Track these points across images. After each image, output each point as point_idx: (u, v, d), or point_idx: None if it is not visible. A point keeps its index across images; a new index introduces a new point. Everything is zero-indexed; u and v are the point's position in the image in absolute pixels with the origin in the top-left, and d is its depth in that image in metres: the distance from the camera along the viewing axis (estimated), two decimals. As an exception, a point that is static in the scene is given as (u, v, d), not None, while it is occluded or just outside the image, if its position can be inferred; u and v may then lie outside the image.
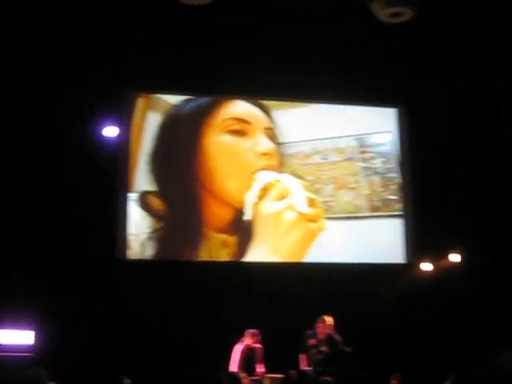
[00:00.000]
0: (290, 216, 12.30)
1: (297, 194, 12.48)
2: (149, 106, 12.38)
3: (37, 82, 11.32)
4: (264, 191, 12.35)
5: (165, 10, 10.82)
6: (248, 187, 12.33)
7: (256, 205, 12.26)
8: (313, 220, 12.44)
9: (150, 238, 11.88)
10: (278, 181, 12.48)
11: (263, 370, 10.56)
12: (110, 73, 11.68)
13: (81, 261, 11.19)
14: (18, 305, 10.60)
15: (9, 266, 10.85)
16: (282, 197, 12.41)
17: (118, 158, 12.00)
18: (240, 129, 12.52)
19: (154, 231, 11.93)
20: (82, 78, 11.55)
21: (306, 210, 12.41)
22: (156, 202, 12.02)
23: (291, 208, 12.33)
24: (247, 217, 12.23)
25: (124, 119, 12.18)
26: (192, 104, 12.64)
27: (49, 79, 11.40)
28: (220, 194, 12.27)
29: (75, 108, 11.45)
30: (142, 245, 11.84)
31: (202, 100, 12.74)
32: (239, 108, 12.78)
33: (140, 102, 12.36)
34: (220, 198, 12.27)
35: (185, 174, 12.28)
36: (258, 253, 12.22)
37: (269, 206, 12.30)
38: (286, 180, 12.55)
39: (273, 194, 12.39)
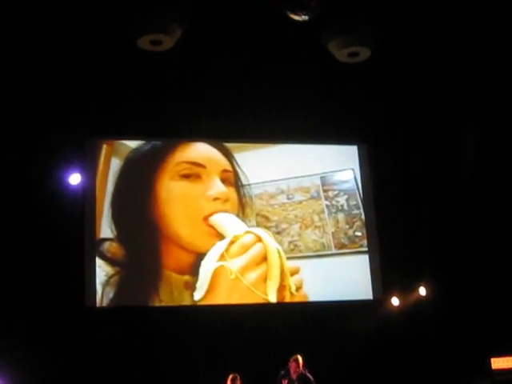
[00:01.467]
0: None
1: (274, 269, 12.33)
2: (113, 153, 12.38)
3: (1, 130, 11.32)
4: (230, 244, 12.24)
5: (125, 57, 11.00)
6: (201, 233, 12.21)
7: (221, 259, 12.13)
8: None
9: (106, 285, 11.74)
10: (247, 232, 12.43)
11: None
12: (74, 121, 11.69)
13: (47, 310, 11.08)
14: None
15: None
16: (260, 261, 12.32)
17: (84, 206, 11.95)
18: (192, 173, 12.46)
19: (111, 277, 11.79)
20: (45, 127, 11.57)
21: (274, 299, 12.25)
22: (114, 248, 11.92)
23: (263, 280, 12.24)
24: (198, 296, 11.96)
25: (89, 166, 12.16)
26: (146, 147, 12.63)
27: (13, 130, 11.39)
28: (175, 238, 12.16)
29: (40, 157, 11.44)
30: (101, 292, 11.71)
31: (157, 143, 12.74)
32: (194, 151, 12.74)
33: (104, 149, 12.35)
34: (176, 242, 12.16)
35: (142, 218, 12.19)
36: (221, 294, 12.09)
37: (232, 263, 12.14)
38: (268, 242, 12.48)
39: (236, 248, 12.26)
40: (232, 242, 12.26)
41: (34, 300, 11.06)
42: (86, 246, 11.84)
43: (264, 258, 12.35)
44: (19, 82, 11.16)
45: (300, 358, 10.51)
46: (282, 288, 12.35)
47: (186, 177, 12.42)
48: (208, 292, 11.95)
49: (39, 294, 11.11)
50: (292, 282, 12.45)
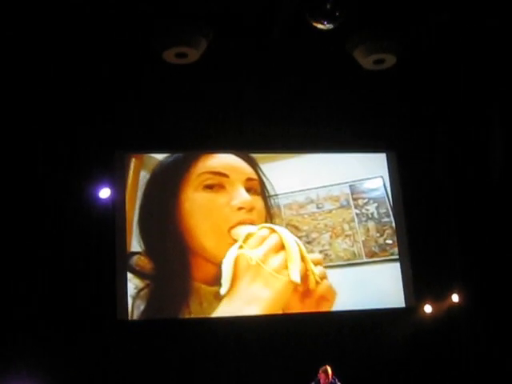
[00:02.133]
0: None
1: (294, 253, 12.33)
2: (142, 166, 12.45)
3: (30, 148, 11.45)
4: (246, 239, 12.20)
5: (152, 70, 11.11)
6: (227, 244, 12.17)
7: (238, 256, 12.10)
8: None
9: (135, 299, 11.76)
10: (261, 228, 12.41)
11: None
12: (103, 134, 11.84)
13: (79, 323, 11.14)
14: (20, 368, 10.52)
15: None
16: (278, 249, 12.32)
17: (114, 220, 12.02)
18: (215, 183, 12.42)
19: (141, 290, 11.82)
20: (74, 141, 11.70)
21: (298, 279, 12.18)
22: (143, 262, 11.94)
23: (284, 265, 12.19)
24: (223, 290, 11.94)
25: (118, 180, 12.24)
26: (170, 160, 12.64)
27: (42, 144, 11.53)
28: (201, 251, 12.12)
29: (70, 171, 11.55)
30: (131, 305, 11.74)
31: (180, 155, 12.75)
32: (216, 161, 12.70)
33: (133, 163, 12.42)
34: (201, 255, 12.12)
35: (168, 232, 12.19)
36: (250, 305, 12.02)
37: (251, 252, 12.12)
38: (283, 233, 12.47)
39: (253, 241, 12.25)
40: (247, 238, 12.20)
41: (66, 314, 11.13)
42: (117, 260, 11.88)
43: (282, 247, 12.30)
44: (49, 95, 11.34)
45: (329, 369, 10.50)
46: (305, 272, 12.29)
47: (209, 187, 12.39)
48: (232, 283, 11.92)
49: (72, 308, 11.17)
50: (316, 270, 12.40)
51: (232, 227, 12.25)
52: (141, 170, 12.42)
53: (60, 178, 11.44)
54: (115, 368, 11.14)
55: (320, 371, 10.55)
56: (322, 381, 10.51)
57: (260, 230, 12.39)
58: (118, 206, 12.13)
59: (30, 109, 11.35)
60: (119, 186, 12.25)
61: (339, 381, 10.52)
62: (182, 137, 12.40)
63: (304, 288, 12.26)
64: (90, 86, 11.33)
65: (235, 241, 12.18)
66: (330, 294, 12.44)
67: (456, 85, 12.35)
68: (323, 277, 12.46)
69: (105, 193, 11.87)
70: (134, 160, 12.46)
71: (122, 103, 11.70)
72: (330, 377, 10.48)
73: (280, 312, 12.19)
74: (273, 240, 12.36)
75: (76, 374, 10.84)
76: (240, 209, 12.38)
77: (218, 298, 11.95)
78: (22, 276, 11.09)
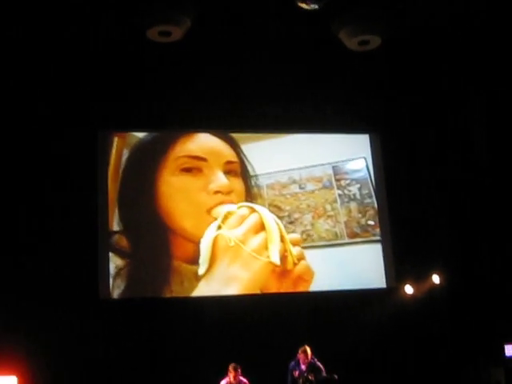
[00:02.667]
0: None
1: (274, 234, 12.35)
2: (125, 145, 12.39)
3: (12, 126, 11.39)
4: (224, 219, 12.21)
5: (135, 48, 11.04)
6: (206, 223, 12.17)
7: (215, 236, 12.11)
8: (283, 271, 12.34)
9: (117, 277, 11.77)
10: (241, 207, 12.40)
11: None
12: (86, 113, 11.78)
13: (62, 303, 11.12)
14: (2, 348, 10.51)
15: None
16: (257, 230, 12.34)
17: (97, 199, 11.99)
18: (193, 166, 12.41)
19: (121, 269, 11.81)
20: (57, 120, 11.63)
21: (278, 260, 12.23)
22: (122, 241, 11.93)
23: (264, 246, 12.23)
24: (201, 270, 11.95)
25: (101, 159, 12.17)
26: (149, 139, 12.59)
27: (25, 124, 11.47)
28: (180, 231, 12.15)
29: (53, 150, 11.51)
30: (112, 284, 11.74)
31: (158, 135, 12.69)
32: (195, 144, 12.66)
33: (116, 141, 12.34)
34: (181, 234, 12.14)
35: (148, 211, 12.20)
36: (228, 286, 12.07)
37: (230, 233, 12.13)
38: (263, 213, 12.48)
39: (232, 220, 12.26)
40: (226, 217, 12.22)
41: (47, 293, 11.10)
42: (99, 239, 11.86)
43: (262, 227, 12.35)
44: (32, 75, 11.28)
45: (308, 349, 10.54)
46: (284, 253, 12.34)
47: (186, 171, 12.39)
48: (210, 263, 11.97)
49: (53, 287, 11.15)
50: (294, 251, 12.43)
51: (210, 209, 12.26)
52: (124, 149, 12.36)
53: (43, 157, 11.40)
54: (97, 347, 11.15)
55: (299, 351, 10.58)
56: (301, 361, 10.55)
57: (239, 209, 12.40)
58: (100, 184, 12.08)
59: (13, 89, 11.28)
60: (102, 165, 12.18)
61: (318, 361, 10.57)
62: (163, 115, 12.37)
63: (282, 268, 12.31)
64: (72, 64, 11.25)
65: (215, 219, 12.20)
66: (308, 275, 12.48)
67: (440, 67, 12.37)
68: (301, 257, 12.49)
69: (89, 171, 11.79)
70: (116, 139, 12.38)
71: (105, 82, 11.64)
72: (310, 357, 10.53)
73: (258, 292, 12.23)
74: (252, 219, 12.37)
75: (58, 353, 10.89)
76: (217, 192, 12.36)
77: (198, 277, 11.98)
78: (2, 254, 11.07)
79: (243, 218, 12.34)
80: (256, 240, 12.24)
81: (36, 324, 10.91)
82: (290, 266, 12.37)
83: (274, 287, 12.31)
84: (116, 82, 11.73)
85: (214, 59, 11.60)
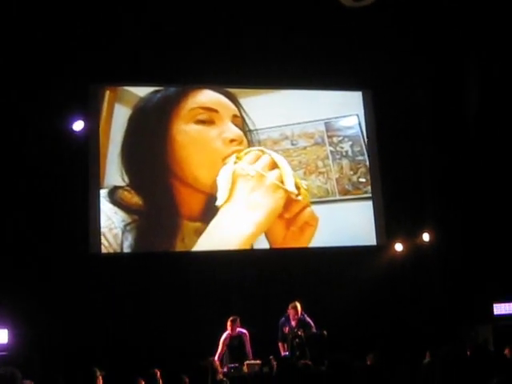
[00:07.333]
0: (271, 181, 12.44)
1: (287, 170, 12.62)
2: (116, 99, 12.33)
3: (4, 82, 11.22)
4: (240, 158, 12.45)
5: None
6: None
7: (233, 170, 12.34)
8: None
9: (124, 232, 11.81)
10: (252, 150, 12.62)
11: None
12: (77, 67, 11.61)
13: (54, 257, 11.14)
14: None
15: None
16: (272, 167, 12.54)
17: (88, 152, 11.93)
18: (207, 118, 12.53)
19: (128, 225, 11.87)
20: (48, 73, 11.48)
21: (295, 190, 12.52)
22: (128, 196, 11.98)
23: (280, 179, 12.47)
24: (220, 201, 12.17)
25: (92, 113, 12.10)
26: (159, 95, 12.61)
27: (15, 77, 11.29)
28: (192, 181, 12.27)
29: (43, 103, 11.36)
30: (116, 239, 11.76)
31: (169, 91, 12.74)
32: (206, 97, 12.74)
33: (107, 95, 12.29)
34: (192, 185, 12.26)
35: (156, 164, 12.30)
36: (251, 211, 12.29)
37: (248, 168, 12.40)
38: (274, 155, 12.68)
39: (249, 157, 12.52)
40: (241, 157, 12.48)
41: (37, 247, 11.10)
42: (90, 193, 11.86)
43: (275, 165, 12.57)
44: (22, 29, 11.08)
45: (298, 305, 10.62)
46: (298, 185, 12.61)
47: (201, 121, 12.52)
48: (230, 193, 12.24)
49: (43, 241, 11.15)
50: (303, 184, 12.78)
51: (225, 157, 12.41)
52: (115, 103, 12.29)
53: (32, 110, 11.25)
54: (87, 301, 11.16)
55: (289, 307, 10.66)
56: (291, 316, 10.64)
57: (252, 151, 12.63)
58: (91, 138, 12.03)
59: (3, 45, 11.09)
60: (93, 119, 12.10)
61: (308, 316, 10.65)
62: (157, 70, 12.25)
63: (289, 215, 12.47)
64: (64, 16, 11.09)
65: (230, 165, 12.43)
66: (313, 220, 12.64)
67: (433, 24, 12.25)
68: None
69: (78, 125, 11.70)
70: (108, 93, 12.32)
71: (98, 35, 11.49)
72: (300, 313, 10.61)
73: (262, 241, 12.41)
74: (266, 158, 12.60)
75: (49, 306, 10.91)
76: (232, 141, 12.55)
77: (198, 234, 12.07)
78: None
79: (258, 156, 12.57)
80: (273, 174, 12.49)
81: (26, 277, 10.88)
82: (304, 197, 12.61)
83: (281, 234, 12.47)
84: (110, 35, 11.57)
85: (207, 14, 11.46)
